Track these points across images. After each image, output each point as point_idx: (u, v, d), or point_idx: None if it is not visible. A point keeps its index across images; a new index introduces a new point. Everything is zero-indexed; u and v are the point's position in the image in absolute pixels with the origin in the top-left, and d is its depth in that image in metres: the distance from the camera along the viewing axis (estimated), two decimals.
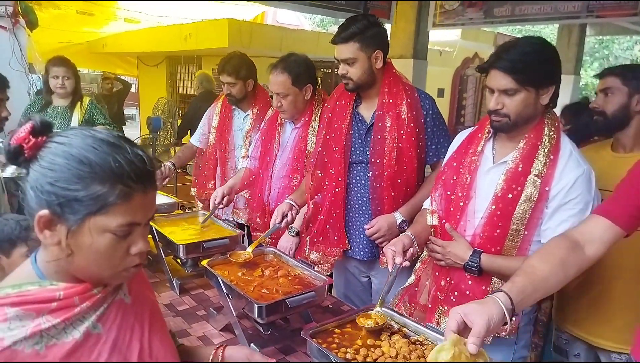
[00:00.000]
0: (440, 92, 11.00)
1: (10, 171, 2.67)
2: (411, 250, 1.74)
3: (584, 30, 7.64)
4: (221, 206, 2.47)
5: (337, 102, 2.23)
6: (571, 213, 1.57)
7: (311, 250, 2.27)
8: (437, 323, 1.73)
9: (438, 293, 1.79)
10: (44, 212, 0.83)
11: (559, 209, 1.59)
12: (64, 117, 3.63)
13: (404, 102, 2.08)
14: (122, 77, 9.45)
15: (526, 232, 1.62)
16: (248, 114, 3.04)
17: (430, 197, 1.90)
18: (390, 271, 1.66)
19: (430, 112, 2.14)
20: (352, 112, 2.19)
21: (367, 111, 2.18)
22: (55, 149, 0.84)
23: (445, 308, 1.74)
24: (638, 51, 21.13)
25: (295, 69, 2.42)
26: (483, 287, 1.67)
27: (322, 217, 2.23)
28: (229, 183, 2.63)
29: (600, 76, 2.00)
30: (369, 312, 1.54)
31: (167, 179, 2.98)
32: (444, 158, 2.04)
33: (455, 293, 1.73)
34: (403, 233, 1.81)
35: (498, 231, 1.64)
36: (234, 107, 3.10)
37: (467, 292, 1.70)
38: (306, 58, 2.50)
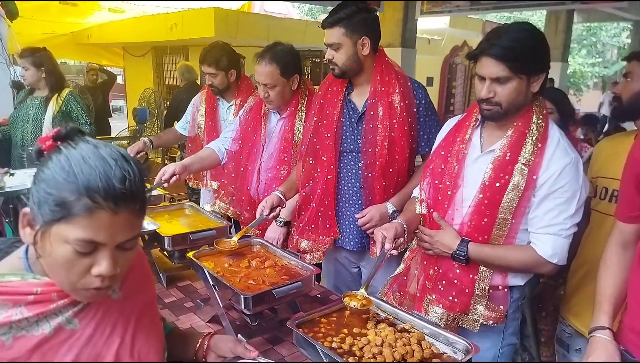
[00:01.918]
0: (429, 81, 11.02)
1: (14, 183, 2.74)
2: (401, 239, 1.73)
3: (572, 17, 7.67)
4: (166, 184, 2.30)
5: (329, 89, 2.20)
6: (558, 202, 1.57)
7: (302, 239, 2.25)
8: (426, 312, 1.72)
9: (426, 282, 1.79)
10: (26, 209, 0.87)
11: (547, 198, 1.58)
12: (40, 108, 3.59)
13: (396, 91, 2.05)
14: (107, 69, 9.32)
15: (513, 221, 1.61)
16: (232, 105, 3.00)
17: (419, 186, 1.89)
18: (378, 255, 1.65)
19: (423, 101, 2.12)
20: (344, 100, 2.16)
21: (359, 99, 2.15)
22: (58, 155, 0.86)
23: (434, 297, 1.73)
24: (626, 38, 21.26)
25: (283, 59, 2.37)
26: (471, 276, 1.67)
27: (313, 205, 2.21)
28: (185, 161, 2.46)
29: (626, 59, 1.87)
30: (355, 292, 1.53)
31: (140, 154, 2.97)
32: None
33: (444, 282, 1.73)
34: (396, 221, 1.79)
35: (485, 219, 1.63)
36: (218, 97, 3.05)
37: (455, 281, 1.69)
38: (292, 47, 2.46)
